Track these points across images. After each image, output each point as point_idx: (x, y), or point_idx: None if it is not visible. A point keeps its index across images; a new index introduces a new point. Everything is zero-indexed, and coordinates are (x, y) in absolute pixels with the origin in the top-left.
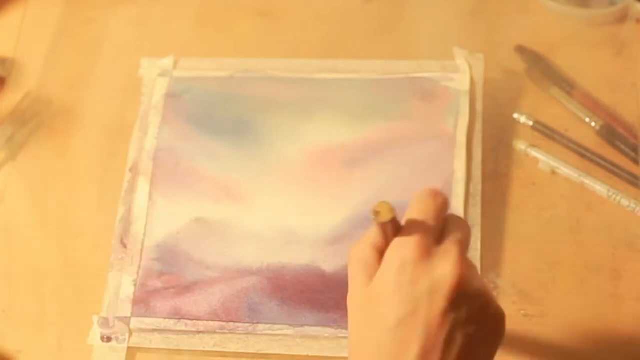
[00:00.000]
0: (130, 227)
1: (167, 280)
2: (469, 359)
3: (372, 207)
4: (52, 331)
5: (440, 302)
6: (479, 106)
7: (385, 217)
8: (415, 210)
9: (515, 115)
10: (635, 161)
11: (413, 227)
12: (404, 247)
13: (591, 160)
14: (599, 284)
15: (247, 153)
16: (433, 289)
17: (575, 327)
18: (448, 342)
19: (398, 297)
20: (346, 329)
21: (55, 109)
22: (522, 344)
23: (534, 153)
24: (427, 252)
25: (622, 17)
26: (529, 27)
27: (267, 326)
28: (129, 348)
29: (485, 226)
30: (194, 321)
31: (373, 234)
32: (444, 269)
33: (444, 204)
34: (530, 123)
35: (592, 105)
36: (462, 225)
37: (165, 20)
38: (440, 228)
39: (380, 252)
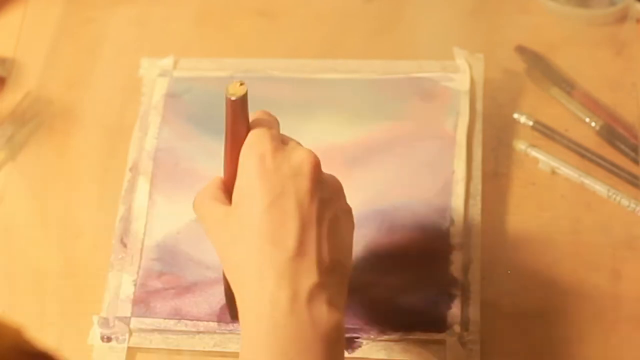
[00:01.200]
0: (130, 227)
1: (167, 281)
2: (337, 235)
3: (225, 88)
4: (52, 331)
5: (304, 182)
6: (479, 106)
7: (238, 93)
8: (257, 119)
9: (515, 115)
10: (635, 161)
11: (262, 122)
12: (259, 141)
13: (591, 160)
14: (599, 284)
15: None
16: (295, 172)
17: (575, 327)
18: (319, 217)
19: (264, 185)
20: (346, 330)
21: (55, 109)
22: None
23: (534, 153)
24: (280, 143)
25: (622, 17)
26: (529, 27)
27: None
28: (129, 348)
29: (485, 226)
30: (194, 321)
31: (209, 183)
32: (300, 154)
33: (276, 120)
34: (530, 123)
35: (592, 105)
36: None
37: (165, 20)
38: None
39: (223, 189)
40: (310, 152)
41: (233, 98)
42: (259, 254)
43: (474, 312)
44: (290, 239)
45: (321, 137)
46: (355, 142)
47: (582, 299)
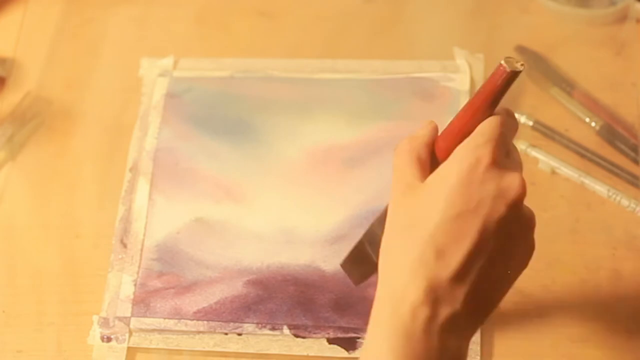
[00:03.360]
0: (130, 227)
1: (167, 280)
2: (503, 273)
3: (505, 58)
4: (52, 331)
5: (502, 208)
6: None
7: (515, 67)
8: (503, 113)
9: (515, 115)
10: (635, 161)
11: (503, 120)
12: (481, 148)
13: (591, 160)
14: (599, 284)
15: (247, 153)
16: (499, 194)
17: (575, 327)
18: (496, 249)
19: (463, 192)
20: (346, 329)
21: (55, 109)
22: (522, 343)
23: (534, 153)
24: (502, 155)
25: (622, 17)
26: (529, 27)
27: (267, 326)
28: (128, 348)
29: None
30: (194, 321)
31: (424, 132)
32: (513, 178)
33: (517, 128)
34: (530, 123)
35: (592, 105)
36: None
37: (165, 20)
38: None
39: (432, 151)
40: (523, 181)
41: (509, 69)
42: (420, 259)
43: None
44: (455, 260)
45: (321, 137)
46: (355, 142)
47: (582, 299)
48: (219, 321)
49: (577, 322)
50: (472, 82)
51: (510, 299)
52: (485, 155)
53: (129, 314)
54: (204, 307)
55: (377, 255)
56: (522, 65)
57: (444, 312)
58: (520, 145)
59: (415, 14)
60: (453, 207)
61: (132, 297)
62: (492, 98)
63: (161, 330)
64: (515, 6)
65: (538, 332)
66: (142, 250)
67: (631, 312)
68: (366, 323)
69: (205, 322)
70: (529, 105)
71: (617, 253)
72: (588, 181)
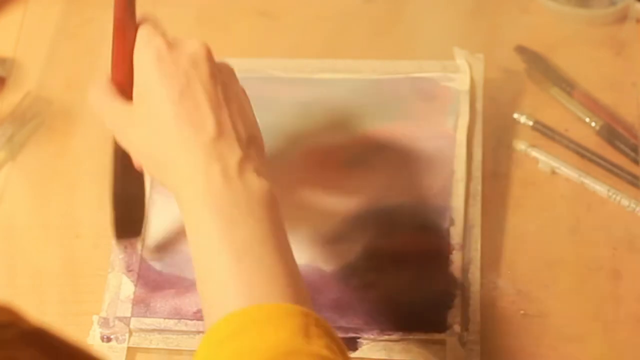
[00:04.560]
0: None
1: (167, 280)
2: (244, 112)
3: None
4: None
5: (204, 68)
6: (479, 106)
7: None
8: (144, 17)
9: (515, 115)
10: (635, 161)
11: (149, 19)
12: (153, 37)
13: (591, 160)
14: (599, 284)
15: None
16: (193, 61)
17: (575, 327)
18: (226, 98)
19: (168, 78)
20: (346, 329)
21: (55, 109)
22: (522, 343)
23: (534, 153)
24: (171, 41)
25: (622, 17)
26: (529, 27)
27: None
28: (129, 348)
29: (485, 226)
30: (194, 321)
31: (100, 74)
32: (193, 44)
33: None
34: (530, 123)
35: (592, 105)
36: None
37: (165, 20)
38: None
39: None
40: (201, 41)
41: None
42: (182, 139)
43: (473, 312)
44: (208, 122)
45: (321, 137)
46: (355, 142)
47: (582, 299)
48: None
49: (577, 322)
50: (472, 82)
51: (510, 299)
52: (158, 42)
53: (129, 314)
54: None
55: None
56: None
57: (231, 161)
58: (520, 145)
59: (415, 14)
60: (171, 91)
61: (132, 297)
62: (122, 24)
63: (161, 330)
64: (515, 6)
65: (538, 332)
66: (142, 250)
67: (631, 312)
68: (366, 323)
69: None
70: (529, 105)
71: (617, 253)
72: (588, 181)
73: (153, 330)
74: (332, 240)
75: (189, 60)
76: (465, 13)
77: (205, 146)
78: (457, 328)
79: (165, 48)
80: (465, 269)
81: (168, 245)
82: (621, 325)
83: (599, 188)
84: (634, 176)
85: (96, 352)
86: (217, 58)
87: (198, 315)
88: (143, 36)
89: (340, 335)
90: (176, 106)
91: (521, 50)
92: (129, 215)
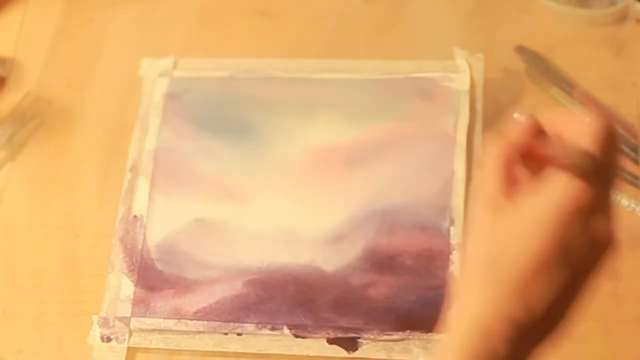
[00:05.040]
0: (130, 227)
1: (167, 280)
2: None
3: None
4: (52, 331)
5: (594, 259)
6: (479, 106)
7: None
8: (597, 144)
9: (516, 115)
10: (635, 161)
11: (596, 166)
12: (582, 193)
13: None
14: (599, 284)
15: (248, 153)
16: (593, 244)
17: (575, 327)
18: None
19: (558, 235)
20: (346, 329)
21: (55, 109)
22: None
23: None
24: (598, 203)
25: (622, 17)
26: (529, 27)
27: (267, 326)
28: (128, 348)
29: None
30: (194, 321)
31: (516, 131)
32: (606, 225)
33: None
34: None
35: (592, 105)
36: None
37: (165, 20)
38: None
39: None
40: (613, 226)
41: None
42: (506, 305)
43: None
44: (539, 309)
45: (321, 137)
46: (355, 142)
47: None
48: (219, 321)
49: (577, 322)
50: (472, 82)
51: None
52: (586, 202)
53: (129, 314)
54: (204, 307)
55: None
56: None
57: (523, 346)
58: None
59: (415, 14)
60: (545, 253)
61: (132, 297)
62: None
63: (161, 330)
64: (515, 6)
65: None
66: (142, 250)
67: (631, 312)
68: (366, 323)
69: (205, 322)
70: (529, 105)
71: (617, 253)
72: None
73: (153, 330)
74: (332, 240)
75: (590, 240)
76: (465, 13)
77: (514, 323)
78: None
79: (586, 214)
80: None
81: (168, 246)
82: (621, 325)
83: None
84: (634, 176)
85: None
86: (217, 58)
87: (198, 315)
88: (578, 183)
89: (340, 335)
90: (532, 274)
91: (521, 50)
92: None
